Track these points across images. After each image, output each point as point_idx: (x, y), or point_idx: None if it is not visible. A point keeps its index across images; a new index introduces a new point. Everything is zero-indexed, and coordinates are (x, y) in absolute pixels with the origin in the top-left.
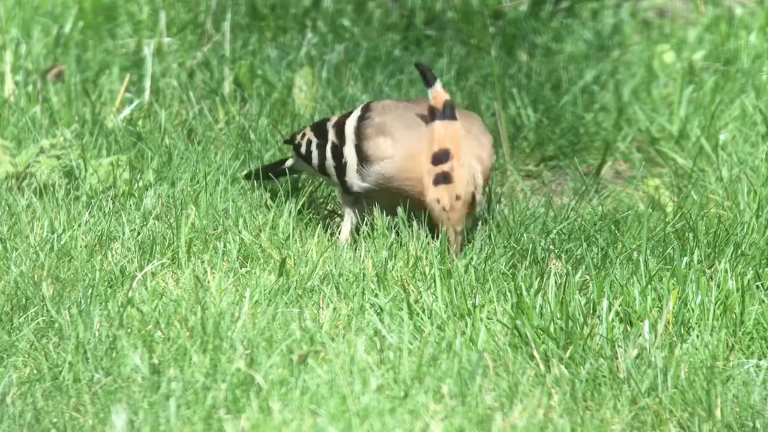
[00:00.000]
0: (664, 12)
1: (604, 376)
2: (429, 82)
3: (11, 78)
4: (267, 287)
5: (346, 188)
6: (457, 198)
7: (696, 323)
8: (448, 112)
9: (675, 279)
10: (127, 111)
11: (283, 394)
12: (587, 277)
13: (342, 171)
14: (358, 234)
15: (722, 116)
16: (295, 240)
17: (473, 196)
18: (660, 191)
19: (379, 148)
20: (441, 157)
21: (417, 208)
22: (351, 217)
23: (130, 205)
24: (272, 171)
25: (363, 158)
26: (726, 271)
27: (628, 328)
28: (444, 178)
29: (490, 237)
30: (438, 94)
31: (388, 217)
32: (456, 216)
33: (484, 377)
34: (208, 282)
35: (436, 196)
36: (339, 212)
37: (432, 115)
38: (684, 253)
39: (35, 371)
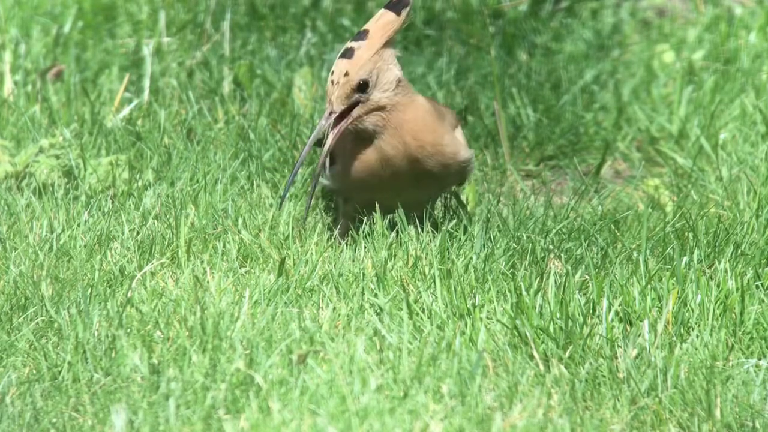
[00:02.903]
0: (663, 12)
1: (603, 376)
2: None
3: (10, 77)
4: (266, 287)
5: (331, 189)
6: (346, 74)
7: (696, 323)
8: (398, 6)
9: (675, 279)
10: (126, 110)
11: (282, 394)
12: (587, 276)
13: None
14: (357, 234)
15: (722, 116)
16: (295, 240)
17: (363, 85)
18: (660, 191)
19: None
20: (360, 34)
21: (388, 202)
22: (343, 219)
23: (130, 205)
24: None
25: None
26: (726, 271)
27: (628, 328)
28: (346, 52)
29: (489, 237)
30: None
31: (388, 217)
32: (337, 92)
33: (483, 377)
34: (208, 282)
35: (332, 68)
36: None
37: (388, 3)
38: (684, 253)
39: (34, 371)
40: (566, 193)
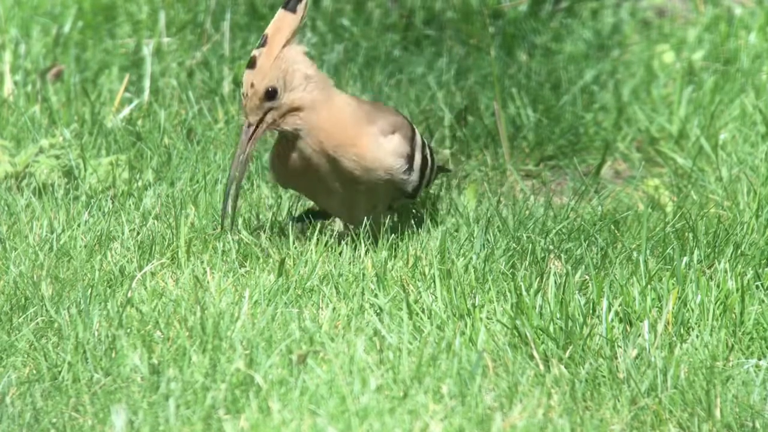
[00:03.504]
0: (663, 12)
1: (603, 376)
2: None
3: (10, 78)
4: (266, 287)
5: None
6: (252, 85)
7: (696, 323)
8: (292, 2)
9: (675, 279)
10: (126, 111)
11: (282, 394)
12: (587, 277)
13: None
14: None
15: (722, 116)
16: (295, 240)
17: (271, 93)
18: (660, 191)
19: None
20: (260, 41)
21: (328, 206)
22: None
23: (130, 205)
24: None
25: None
26: (726, 271)
27: (628, 328)
28: (250, 62)
29: (489, 237)
30: None
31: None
32: (249, 104)
33: (483, 377)
34: (208, 282)
35: (244, 80)
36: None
37: (284, 2)
38: (684, 253)
39: (34, 371)
40: (566, 193)
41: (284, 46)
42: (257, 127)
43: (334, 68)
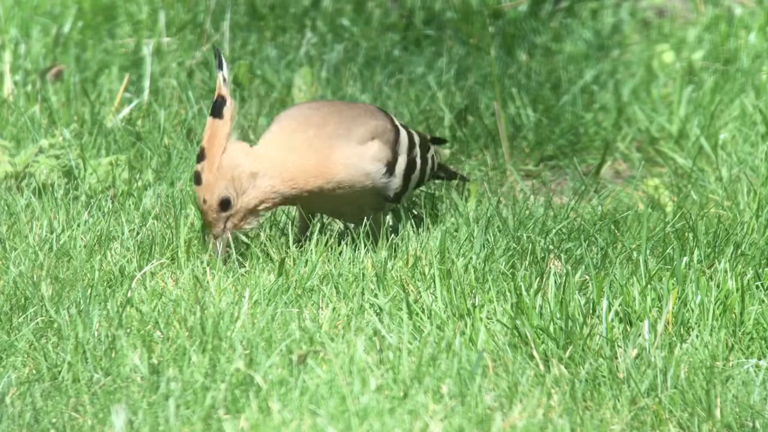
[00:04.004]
0: (663, 12)
1: (603, 376)
2: (218, 66)
3: (10, 78)
4: (266, 287)
5: None
6: (204, 201)
7: (696, 323)
8: (217, 107)
9: (675, 279)
10: (126, 111)
11: (282, 394)
12: (587, 277)
13: None
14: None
15: (722, 116)
16: (295, 240)
17: (224, 203)
18: (660, 191)
19: None
20: (198, 155)
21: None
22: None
23: (129, 205)
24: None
25: None
26: (726, 271)
27: (628, 328)
28: (196, 179)
29: (489, 237)
30: (218, 86)
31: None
32: (208, 219)
33: (483, 377)
34: (208, 282)
35: (196, 196)
36: None
37: (210, 108)
38: (684, 253)
39: (34, 371)
40: (566, 193)
41: (222, 154)
42: (221, 236)
43: (334, 68)
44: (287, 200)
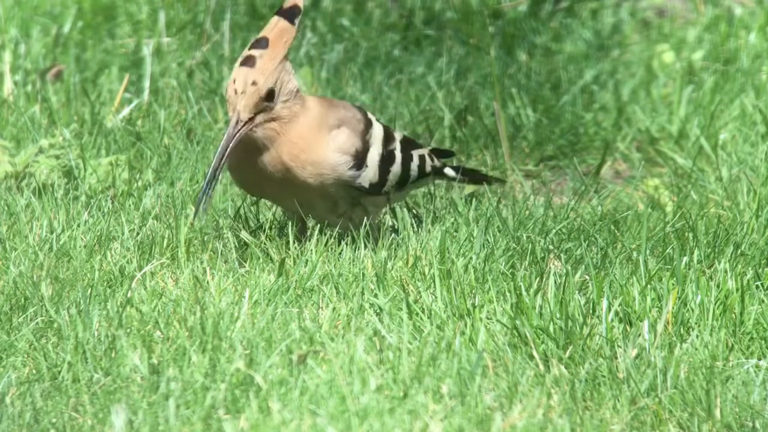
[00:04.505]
0: (663, 12)
1: (603, 376)
2: None
3: (10, 78)
4: (266, 287)
5: None
6: (253, 83)
7: (696, 323)
8: (290, 14)
9: (675, 279)
10: (126, 111)
11: (282, 394)
12: (587, 277)
13: None
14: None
15: (722, 116)
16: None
17: (271, 93)
18: (660, 191)
19: None
20: (258, 42)
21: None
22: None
23: (129, 205)
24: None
25: None
26: (726, 271)
27: (628, 328)
28: (248, 60)
29: (489, 237)
30: None
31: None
32: (244, 102)
33: (483, 377)
34: (208, 282)
35: (234, 76)
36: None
37: (278, 10)
38: (684, 253)
39: (34, 371)
40: (566, 193)
41: (286, 55)
42: (245, 125)
43: (334, 68)
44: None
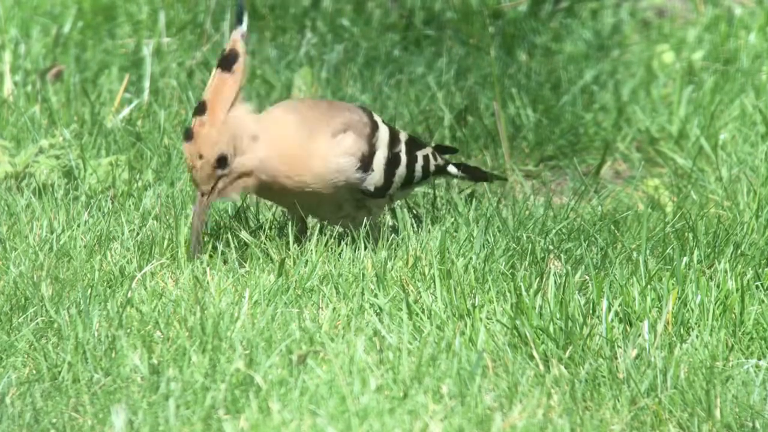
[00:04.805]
0: (663, 12)
1: (603, 377)
2: (237, 21)
3: (10, 78)
4: (266, 287)
5: None
6: (200, 157)
7: (696, 323)
8: (228, 62)
9: (675, 279)
10: (126, 111)
11: (282, 394)
12: (587, 277)
13: None
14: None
15: (722, 116)
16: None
17: (222, 160)
18: (660, 191)
19: None
20: (198, 108)
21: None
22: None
23: (130, 205)
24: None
25: None
26: (726, 271)
27: (628, 329)
28: (189, 135)
29: (489, 237)
30: (233, 40)
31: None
32: (200, 175)
33: (483, 377)
34: (208, 282)
35: (185, 153)
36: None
37: (218, 61)
38: (684, 253)
39: (34, 371)
40: (566, 193)
41: (230, 110)
42: (210, 195)
43: (334, 68)
44: (267, 183)
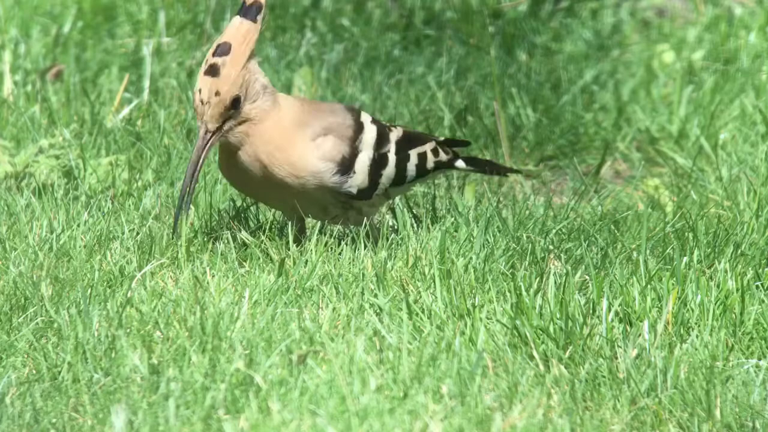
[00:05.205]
0: (663, 12)
1: (603, 376)
2: None
3: (10, 78)
4: (266, 287)
5: None
6: (217, 93)
7: (696, 323)
8: (252, 11)
9: (675, 279)
10: (126, 111)
11: (282, 394)
12: (587, 277)
13: None
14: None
15: (722, 116)
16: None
17: (237, 101)
18: (660, 191)
19: None
20: (221, 49)
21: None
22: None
23: (129, 205)
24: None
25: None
26: (726, 271)
27: (628, 328)
28: (211, 69)
29: (488, 237)
30: None
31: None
32: (210, 112)
33: (483, 377)
34: (208, 282)
35: (199, 86)
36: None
37: (239, 9)
38: (684, 253)
39: (34, 371)
40: (566, 193)
41: (250, 57)
42: (213, 134)
43: (334, 68)
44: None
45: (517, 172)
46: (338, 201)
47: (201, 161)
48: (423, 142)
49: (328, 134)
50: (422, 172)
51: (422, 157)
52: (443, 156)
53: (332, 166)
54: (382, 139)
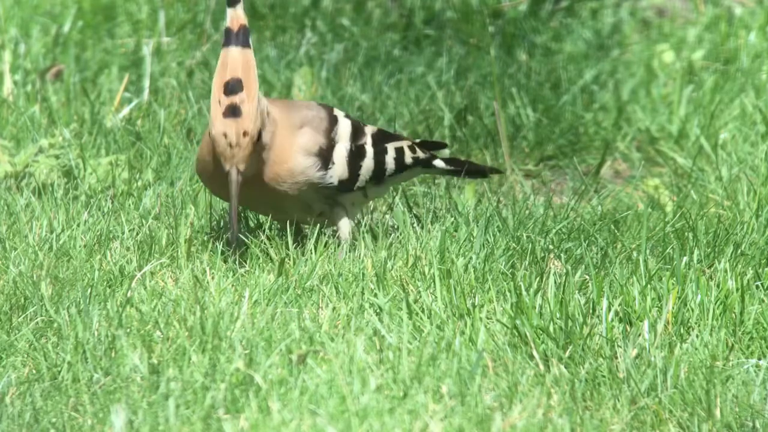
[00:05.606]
0: (663, 11)
1: (603, 376)
2: (230, 1)
3: (10, 77)
4: (266, 287)
5: None
6: (245, 134)
7: (696, 323)
8: (241, 37)
9: (674, 279)
10: (126, 110)
11: (282, 394)
12: (587, 276)
13: None
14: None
15: (722, 116)
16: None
17: (260, 134)
18: (659, 191)
19: None
20: (233, 86)
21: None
22: None
23: (129, 205)
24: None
25: None
26: (726, 271)
27: (628, 328)
28: (233, 111)
29: (488, 237)
30: (236, 16)
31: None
32: (241, 154)
33: (483, 377)
34: (207, 282)
35: (223, 130)
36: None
37: (227, 38)
38: (684, 253)
39: (34, 371)
40: (566, 193)
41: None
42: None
43: (334, 68)
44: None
45: (498, 172)
46: (321, 195)
47: (236, 198)
48: (399, 139)
49: (303, 126)
50: (401, 167)
51: (400, 151)
52: (420, 154)
53: (313, 159)
54: (357, 131)
